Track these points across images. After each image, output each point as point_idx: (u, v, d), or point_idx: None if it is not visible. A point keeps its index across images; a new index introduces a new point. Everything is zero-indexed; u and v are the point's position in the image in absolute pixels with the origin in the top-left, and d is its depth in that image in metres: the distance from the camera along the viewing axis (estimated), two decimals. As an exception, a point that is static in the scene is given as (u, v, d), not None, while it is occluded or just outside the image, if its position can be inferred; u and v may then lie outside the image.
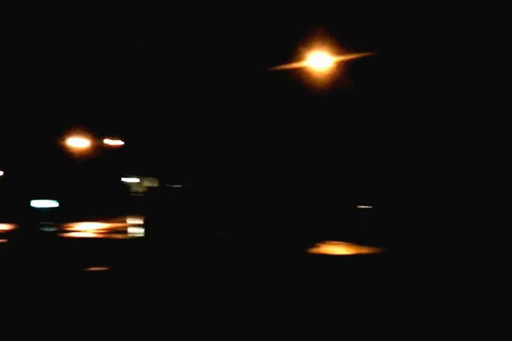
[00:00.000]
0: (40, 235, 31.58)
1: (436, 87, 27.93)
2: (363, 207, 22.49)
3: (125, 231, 28.79)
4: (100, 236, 25.96)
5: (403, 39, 27.62)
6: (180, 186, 51.24)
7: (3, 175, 59.64)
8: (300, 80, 30.15)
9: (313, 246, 17.09)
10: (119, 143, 54.30)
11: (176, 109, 49.52)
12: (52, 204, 51.96)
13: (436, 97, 27.86)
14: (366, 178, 26.31)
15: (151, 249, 20.26)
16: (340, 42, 25.46)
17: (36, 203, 52.58)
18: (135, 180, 62.02)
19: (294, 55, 26.27)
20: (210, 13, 39.06)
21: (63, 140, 50.38)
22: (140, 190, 59.81)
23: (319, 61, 23.64)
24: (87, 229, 29.78)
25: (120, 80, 52.20)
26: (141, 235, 28.24)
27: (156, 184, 59.80)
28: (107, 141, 52.84)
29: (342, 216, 22.73)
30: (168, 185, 53.47)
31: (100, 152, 48.25)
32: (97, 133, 49.93)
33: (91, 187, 55.07)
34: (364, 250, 15.62)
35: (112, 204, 47.96)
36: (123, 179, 61.12)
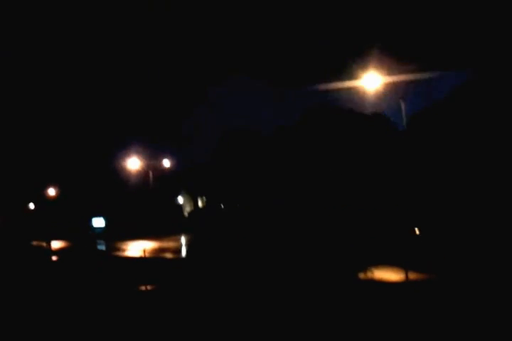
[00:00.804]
0: (93, 253, 32.12)
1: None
2: (416, 231, 21.85)
3: (174, 251, 28.93)
4: (149, 255, 26.08)
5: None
6: (228, 206, 51.49)
7: (60, 194, 61.22)
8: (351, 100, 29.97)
9: (366, 270, 16.56)
10: (171, 164, 55.23)
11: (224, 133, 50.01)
12: (106, 223, 53.02)
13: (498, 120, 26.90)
14: (418, 204, 25.66)
15: (196, 268, 20.18)
16: (395, 62, 25.14)
17: (93, 222, 53.87)
18: (186, 199, 62.84)
19: (347, 74, 26.09)
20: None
21: (119, 161, 51.53)
22: (190, 209, 60.53)
23: (372, 81, 23.30)
24: (137, 248, 30.03)
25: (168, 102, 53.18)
26: (188, 254, 28.32)
27: (204, 204, 60.33)
28: (160, 162, 53.84)
29: (395, 240, 22.14)
30: (216, 205, 53.84)
31: (153, 173, 48.92)
32: (150, 154, 50.86)
33: (144, 207, 55.79)
34: (415, 276, 15.05)
35: (163, 223, 48.44)
36: (175, 199, 62.03)
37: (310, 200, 35.75)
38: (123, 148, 50.84)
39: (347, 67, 28.30)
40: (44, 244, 38.43)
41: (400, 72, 23.05)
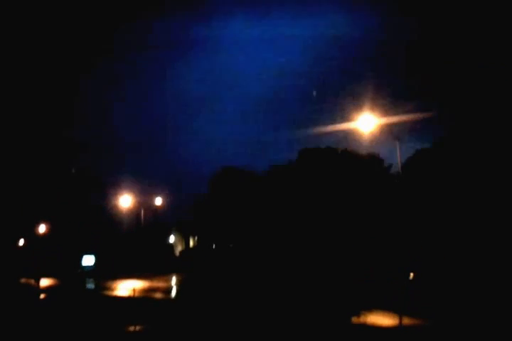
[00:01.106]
0: (82, 292, 31.65)
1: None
2: (411, 276, 21.67)
3: (164, 291, 28.50)
4: (139, 295, 25.62)
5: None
6: (220, 246, 50.99)
7: (51, 231, 60.65)
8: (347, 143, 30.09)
9: (359, 314, 16.25)
10: (164, 202, 54.89)
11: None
12: (96, 261, 52.41)
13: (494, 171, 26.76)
14: (413, 248, 25.45)
15: (187, 309, 19.82)
16: (390, 104, 25.37)
17: (84, 260, 53.27)
18: (177, 239, 62.29)
19: (342, 116, 26.28)
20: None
21: (110, 198, 51.38)
22: (181, 249, 59.95)
23: (368, 123, 23.41)
24: (126, 288, 29.55)
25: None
26: (178, 295, 27.89)
27: (196, 243, 59.80)
28: (152, 200, 53.58)
29: (389, 285, 21.90)
30: (208, 245, 53.33)
31: (145, 211, 48.73)
32: (142, 192, 50.71)
33: (135, 245, 55.33)
34: (408, 321, 14.74)
35: (154, 262, 47.92)
36: (166, 238, 61.50)
37: (304, 242, 35.47)
38: (115, 185, 50.75)
39: (342, 109, 28.55)
40: (33, 282, 37.79)
41: (396, 113, 23.23)
